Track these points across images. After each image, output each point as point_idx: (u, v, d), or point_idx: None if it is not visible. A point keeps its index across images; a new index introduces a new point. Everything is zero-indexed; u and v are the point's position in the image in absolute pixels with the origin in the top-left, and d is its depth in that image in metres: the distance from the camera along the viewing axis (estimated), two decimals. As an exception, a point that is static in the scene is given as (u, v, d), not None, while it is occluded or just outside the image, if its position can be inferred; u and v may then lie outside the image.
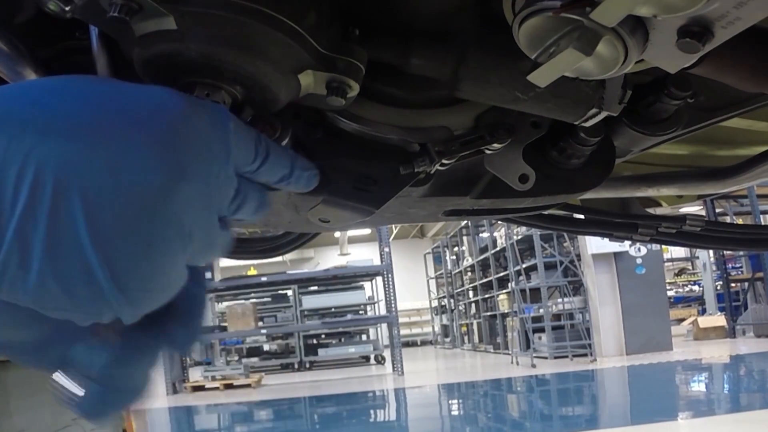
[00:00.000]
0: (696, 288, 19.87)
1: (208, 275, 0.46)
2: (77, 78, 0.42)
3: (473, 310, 16.50)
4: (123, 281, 0.37)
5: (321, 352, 13.33)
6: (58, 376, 0.44)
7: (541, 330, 10.95)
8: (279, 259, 8.50)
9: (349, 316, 12.78)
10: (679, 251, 19.93)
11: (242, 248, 1.52)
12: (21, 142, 0.36)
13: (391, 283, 10.50)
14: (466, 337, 17.31)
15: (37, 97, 0.39)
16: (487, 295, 15.10)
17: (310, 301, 13.37)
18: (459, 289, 17.48)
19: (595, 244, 10.22)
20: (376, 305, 15.14)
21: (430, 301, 21.06)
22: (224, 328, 11.66)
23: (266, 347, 15.19)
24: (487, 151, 0.72)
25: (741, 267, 15.47)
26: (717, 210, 12.33)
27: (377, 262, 11.33)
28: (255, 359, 13.73)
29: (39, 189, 0.36)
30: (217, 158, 0.43)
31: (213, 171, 0.42)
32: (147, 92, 0.42)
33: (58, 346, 0.44)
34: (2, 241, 0.35)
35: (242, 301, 13.41)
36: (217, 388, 10.17)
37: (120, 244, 0.37)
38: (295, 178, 0.52)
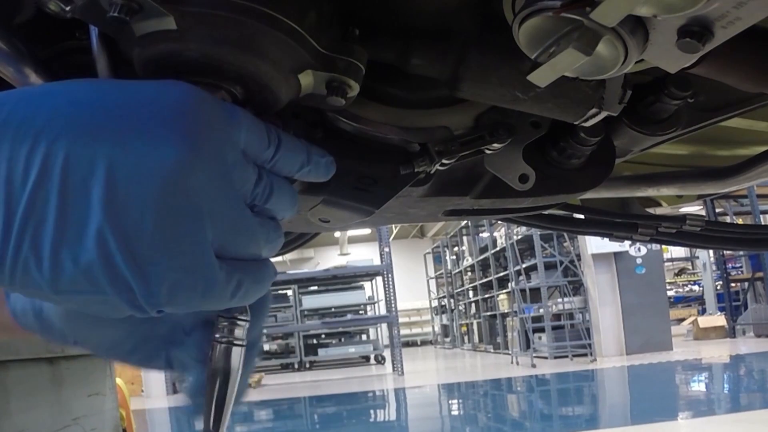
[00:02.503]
0: (696, 288, 19.87)
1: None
2: (82, 80, 0.42)
3: (473, 310, 16.50)
4: (139, 256, 0.36)
5: (321, 352, 13.33)
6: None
7: (541, 330, 10.95)
8: (279, 259, 8.48)
9: (349, 316, 12.78)
10: (679, 251, 19.92)
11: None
12: (31, 126, 0.36)
13: (391, 283, 10.50)
14: (466, 337, 17.31)
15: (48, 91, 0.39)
16: (487, 295, 15.10)
17: (310, 301, 13.37)
18: (459, 289, 17.48)
19: (595, 244, 10.22)
20: (376, 305, 15.13)
21: (430, 301, 21.07)
22: (224, 328, 11.64)
23: (266, 347, 15.18)
24: (487, 151, 0.72)
25: (741, 267, 15.47)
26: (717, 210, 12.33)
27: (377, 262, 11.32)
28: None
29: (48, 166, 0.35)
30: (229, 139, 0.42)
31: (226, 151, 0.41)
32: (152, 82, 0.43)
33: (160, 348, 0.48)
34: (13, 222, 0.35)
35: (242, 301, 13.39)
36: (217, 388, 10.16)
37: (134, 220, 0.36)
38: (315, 165, 0.51)
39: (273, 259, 0.47)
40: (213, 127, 0.41)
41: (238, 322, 0.48)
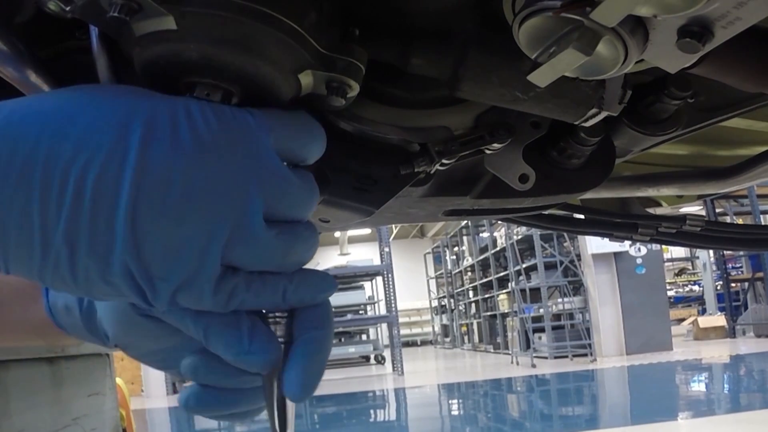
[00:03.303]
0: (696, 288, 19.87)
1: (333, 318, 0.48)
2: (78, 93, 0.44)
3: (473, 310, 16.50)
4: (150, 272, 0.39)
5: (321, 351, 13.33)
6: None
7: (541, 330, 10.95)
8: (279, 259, 8.44)
9: (349, 316, 12.78)
10: (679, 251, 19.93)
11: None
12: (60, 157, 0.38)
13: (391, 283, 10.50)
14: (466, 337, 17.31)
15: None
16: (487, 295, 15.10)
17: (310, 301, 13.36)
18: (459, 289, 17.48)
19: (595, 244, 10.22)
20: (376, 305, 15.13)
21: (430, 301, 21.07)
22: (224, 328, 11.65)
23: (266, 347, 15.18)
24: (487, 151, 0.72)
25: (741, 267, 15.47)
26: (717, 210, 12.33)
27: (377, 262, 11.32)
28: (255, 359, 13.73)
29: (80, 194, 0.38)
30: (252, 140, 0.44)
31: (250, 152, 0.43)
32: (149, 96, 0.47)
33: (177, 356, 0.50)
34: (50, 244, 0.38)
35: (242, 301, 13.40)
36: (217, 388, 10.17)
37: (149, 246, 0.39)
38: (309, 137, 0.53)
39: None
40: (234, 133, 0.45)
41: (277, 320, 0.48)
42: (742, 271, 15.06)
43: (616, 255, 10.49)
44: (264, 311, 0.48)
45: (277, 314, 0.48)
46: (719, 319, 13.47)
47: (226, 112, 0.45)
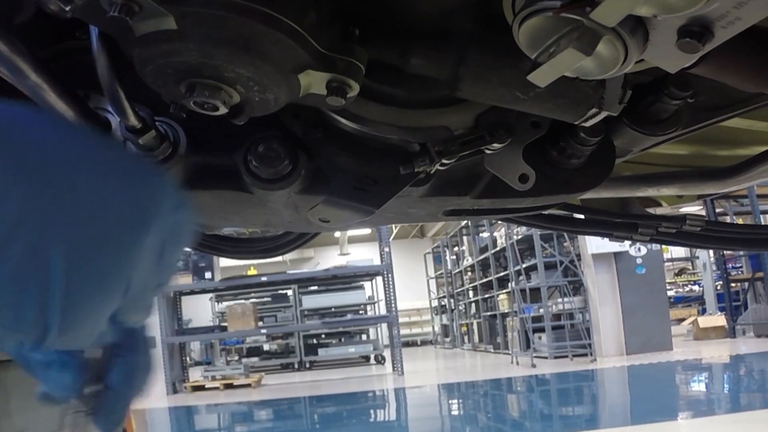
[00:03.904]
0: (696, 288, 19.86)
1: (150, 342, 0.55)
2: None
3: (473, 310, 16.49)
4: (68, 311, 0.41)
5: (321, 351, 13.32)
6: None
7: (541, 330, 10.94)
8: (279, 259, 8.48)
9: (349, 316, 12.76)
10: (679, 251, 19.91)
11: (242, 248, 1.51)
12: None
13: (391, 283, 10.50)
14: (466, 337, 17.30)
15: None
16: (487, 295, 15.09)
17: (310, 301, 13.36)
18: (459, 289, 17.47)
19: (595, 244, 10.21)
20: (376, 305, 15.13)
21: (430, 301, 21.06)
22: (224, 328, 11.64)
23: (266, 347, 15.18)
24: (487, 151, 0.72)
25: (741, 267, 15.46)
26: (717, 210, 12.32)
27: (377, 262, 11.32)
28: (255, 359, 13.72)
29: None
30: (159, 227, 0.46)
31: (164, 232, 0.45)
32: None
33: None
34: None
35: (242, 301, 13.40)
36: (217, 388, 10.16)
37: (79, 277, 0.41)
38: None
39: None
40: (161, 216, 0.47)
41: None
42: (742, 271, 15.05)
43: (616, 255, 10.49)
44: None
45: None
46: (719, 319, 13.46)
47: None
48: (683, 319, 16.18)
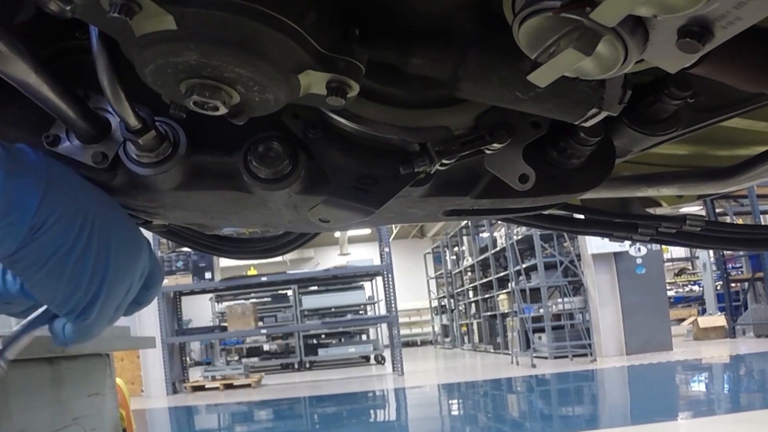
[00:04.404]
0: (696, 288, 19.86)
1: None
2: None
3: (473, 310, 16.50)
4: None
5: (321, 352, 13.33)
6: None
7: (541, 330, 10.94)
8: (279, 259, 8.47)
9: (349, 316, 12.76)
10: (679, 251, 19.92)
11: (242, 248, 1.51)
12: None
13: (391, 283, 10.50)
14: (466, 337, 17.30)
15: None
16: (487, 295, 15.10)
17: (310, 301, 13.37)
18: (459, 289, 17.48)
19: (595, 244, 10.21)
20: (376, 305, 15.13)
21: (430, 301, 21.06)
22: (224, 328, 11.64)
23: (266, 347, 15.18)
24: (487, 151, 0.72)
25: (741, 267, 15.46)
26: (717, 210, 12.32)
27: (377, 262, 11.32)
28: (255, 359, 13.73)
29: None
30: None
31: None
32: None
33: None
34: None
35: (242, 301, 13.40)
36: (217, 388, 10.17)
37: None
38: None
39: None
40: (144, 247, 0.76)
41: None
42: (742, 271, 15.05)
43: (616, 255, 10.49)
44: None
45: None
46: (719, 319, 13.46)
47: None
48: (683, 319, 16.19)
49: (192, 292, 11.39)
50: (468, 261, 16.02)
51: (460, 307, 17.59)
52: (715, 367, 8.79)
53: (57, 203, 0.60)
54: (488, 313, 15.09)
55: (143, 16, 0.50)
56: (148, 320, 9.62)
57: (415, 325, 22.79)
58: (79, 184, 0.65)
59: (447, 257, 18.40)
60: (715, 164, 1.15)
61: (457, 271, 17.29)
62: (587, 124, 0.67)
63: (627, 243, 9.15)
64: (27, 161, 0.60)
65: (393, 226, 16.78)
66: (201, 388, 10.34)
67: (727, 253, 12.78)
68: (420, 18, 0.64)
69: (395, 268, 10.76)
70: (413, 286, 21.56)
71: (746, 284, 13.46)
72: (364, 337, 14.79)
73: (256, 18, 0.51)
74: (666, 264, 15.60)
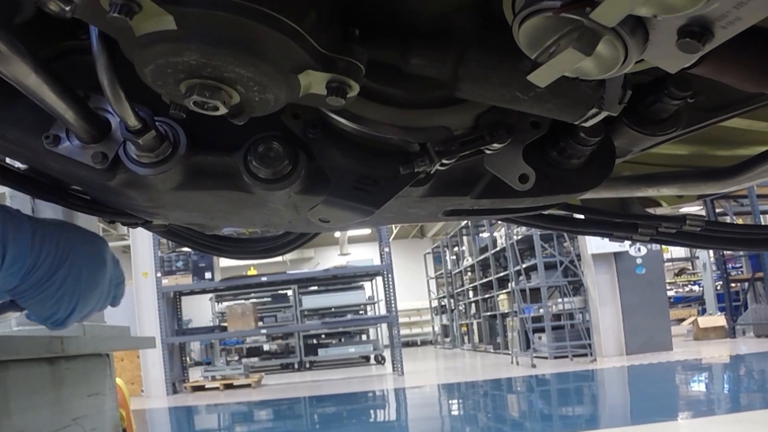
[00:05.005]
0: (696, 288, 19.86)
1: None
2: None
3: (473, 310, 16.49)
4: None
5: (321, 352, 13.32)
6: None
7: (541, 330, 10.94)
8: (279, 259, 8.45)
9: (349, 316, 12.76)
10: (679, 251, 19.92)
11: (242, 248, 1.52)
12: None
13: (391, 283, 10.50)
14: (466, 337, 17.30)
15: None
16: (487, 295, 15.09)
17: (310, 301, 13.36)
18: (459, 289, 17.47)
19: (595, 244, 10.21)
20: (376, 305, 15.13)
21: (430, 301, 21.06)
22: (224, 328, 11.64)
23: (266, 347, 15.18)
24: (487, 151, 0.72)
25: (741, 267, 15.46)
26: (717, 210, 12.32)
27: (377, 262, 11.32)
28: (255, 359, 13.73)
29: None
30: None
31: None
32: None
33: None
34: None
35: (242, 301, 13.40)
36: (217, 388, 10.17)
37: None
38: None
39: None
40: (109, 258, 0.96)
41: None
42: (742, 271, 15.05)
43: (616, 255, 10.49)
44: None
45: None
46: (719, 319, 13.46)
47: None
48: (683, 319, 16.19)
49: (192, 292, 11.39)
50: (468, 261, 16.01)
51: (460, 307, 17.59)
52: (715, 367, 8.79)
53: (42, 246, 0.81)
54: (488, 313, 15.09)
55: (143, 16, 0.50)
56: (148, 320, 9.62)
57: (415, 325, 22.79)
58: (54, 229, 0.83)
59: (447, 257, 18.40)
60: (715, 164, 1.16)
61: (457, 271, 17.29)
62: (587, 124, 0.67)
63: (627, 243, 9.15)
64: (21, 224, 0.78)
65: (393, 226, 16.78)
66: (201, 388, 10.34)
67: (727, 253, 12.78)
68: (420, 18, 0.64)
69: (395, 268, 10.76)
70: (413, 286, 21.57)
71: (746, 284, 13.45)
72: (364, 337, 14.79)
73: (256, 18, 0.51)
74: (666, 264, 15.60)
